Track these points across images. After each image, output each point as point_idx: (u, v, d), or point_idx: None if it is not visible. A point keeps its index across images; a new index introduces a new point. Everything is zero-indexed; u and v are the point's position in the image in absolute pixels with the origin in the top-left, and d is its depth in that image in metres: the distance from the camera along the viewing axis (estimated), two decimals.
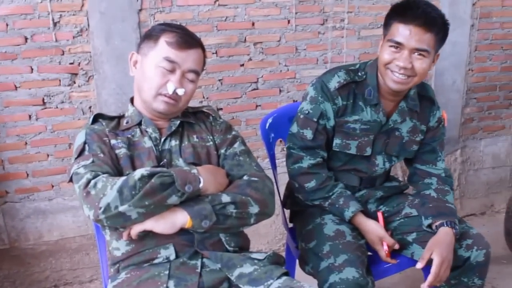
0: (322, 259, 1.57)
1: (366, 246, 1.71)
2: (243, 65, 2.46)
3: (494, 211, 3.27)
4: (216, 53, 2.39)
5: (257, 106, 2.56)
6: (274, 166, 2.00)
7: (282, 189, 2.00)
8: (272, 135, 1.99)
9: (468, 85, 2.95)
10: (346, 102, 1.69)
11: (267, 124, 1.97)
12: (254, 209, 1.37)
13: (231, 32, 2.40)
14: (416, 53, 1.56)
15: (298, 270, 1.89)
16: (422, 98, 1.77)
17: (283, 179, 2.05)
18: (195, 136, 1.51)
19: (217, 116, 1.59)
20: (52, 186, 2.34)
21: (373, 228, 1.68)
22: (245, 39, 2.43)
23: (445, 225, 1.62)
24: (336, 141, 1.73)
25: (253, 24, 2.42)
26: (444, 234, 1.60)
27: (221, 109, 2.48)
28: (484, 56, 2.93)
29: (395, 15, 1.58)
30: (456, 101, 2.94)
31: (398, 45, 1.56)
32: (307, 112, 1.70)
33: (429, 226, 1.67)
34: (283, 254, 2.66)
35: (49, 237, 2.39)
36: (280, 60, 2.53)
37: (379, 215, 1.75)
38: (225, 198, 1.33)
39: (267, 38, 2.47)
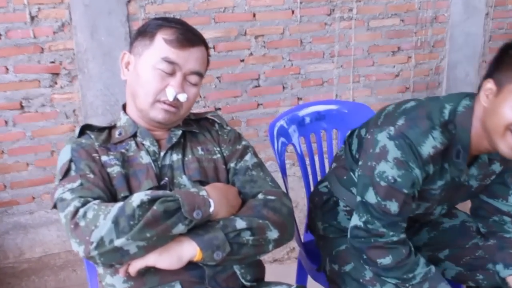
0: (365, 287, 1.42)
1: None
2: (243, 60, 2.40)
3: None
4: (214, 47, 2.32)
5: (258, 105, 2.48)
6: (284, 172, 1.85)
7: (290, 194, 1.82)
8: (282, 140, 1.84)
9: (481, 78, 2.80)
10: (435, 167, 1.39)
11: (276, 129, 1.83)
12: (273, 234, 1.20)
13: (230, 25, 2.33)
14: None
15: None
16: None
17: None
18: (199, 148, 1.34)
19: (223, 123, 1.44)
20: (33, 198, 2.27)
21: None
22: (245, 32, 2.36)
23: None
24: None
25: (254, 15, 2.36)
26: None
27: (220, 109, 2.44)
28: (498, 47, 2.78)
29: None
30: None
31: None
32: (393, 180, 1.36)
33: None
34: (287, 262, 2.58)
35: (31, 254, 2.31)
36: (283, 55, 2.45)
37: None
38: (240, 224, 1.16)
39: (269, 31, 2.40)
